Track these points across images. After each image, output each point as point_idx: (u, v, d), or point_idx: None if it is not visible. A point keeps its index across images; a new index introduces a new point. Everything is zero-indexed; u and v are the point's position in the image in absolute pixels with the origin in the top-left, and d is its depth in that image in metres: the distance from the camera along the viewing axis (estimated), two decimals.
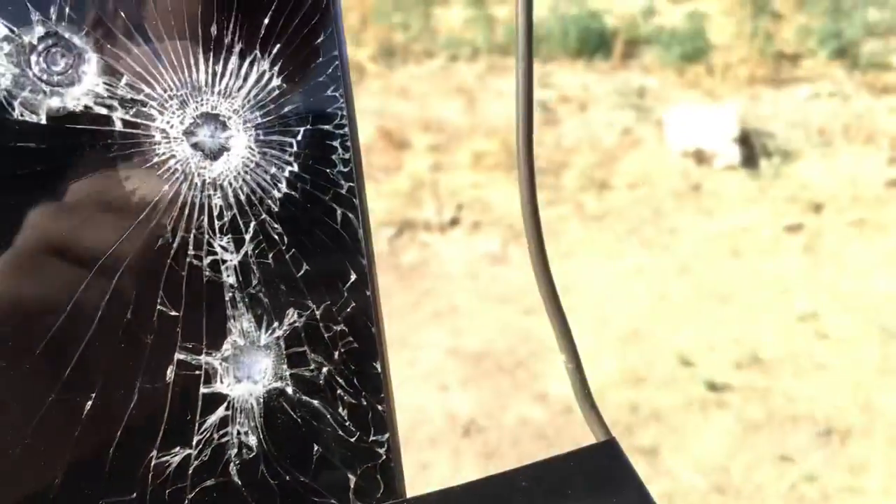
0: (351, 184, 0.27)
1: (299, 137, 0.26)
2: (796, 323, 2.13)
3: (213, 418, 0.27)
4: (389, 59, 3.19)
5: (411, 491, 0.28)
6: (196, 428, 0.27)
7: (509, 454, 1.46)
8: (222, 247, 0.26)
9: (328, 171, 0.27)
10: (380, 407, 0.28)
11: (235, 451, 0.27)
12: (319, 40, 0.26)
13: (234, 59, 0.26)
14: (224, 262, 0.26)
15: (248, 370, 0.27)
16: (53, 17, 0.25)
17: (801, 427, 1.80)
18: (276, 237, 0.26)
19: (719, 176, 2.77)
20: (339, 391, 0.27)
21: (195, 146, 0.26)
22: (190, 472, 0.27)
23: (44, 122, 0.25)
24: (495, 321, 2.09)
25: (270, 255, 0.26)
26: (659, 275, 2.34)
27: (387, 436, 0.28)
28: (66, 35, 0.25)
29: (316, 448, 0.27)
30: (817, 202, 2.64)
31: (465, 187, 2.63)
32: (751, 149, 2.86)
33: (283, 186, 0.26)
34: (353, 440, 0.28)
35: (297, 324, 0.27)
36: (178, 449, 0.27)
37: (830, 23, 3.26)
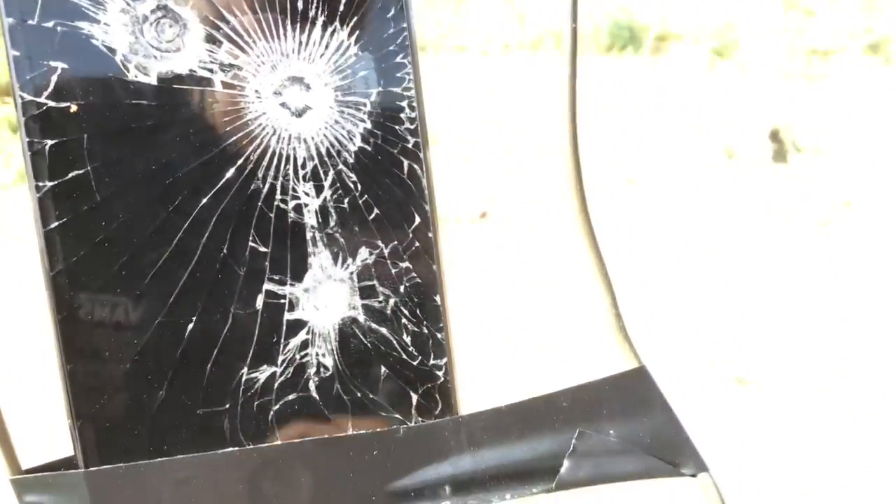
0: (416, 139, 0.31)
1: (372, 98, 0.30)
2: None
3: (295, 341, 0.31)
4: None
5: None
6: (281, 349, 0.31)
7: None
8: (305, 192, 0.30)
9: (396, 127, 0.31)
10: (439, 335, 0.32)
11: (314, 370, 0.31)
12: (391, 13, 0.30)
13: (317, 30, 0.30)
14: (306, 205, 0.30)
15: (325, 300, 0.31)
16: None
17: None
18: (351, 185, 0.31)
19: (749, 171, 2.78)
20: (403, 320, 0.31)
21: (283, 105, 0.30)
22: (275, 387, 0.31)
23: (154, 83, 0.29)
24: None
25: (346, 201, 0.31)
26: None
27: (444, 360, 0.32)
28: (174, 8, 0.29)
29: (383, 369, 0.31)
30: (847, 199, 2.64)
31: None
32: (781, 144, 2.87)
33: (358, 141, 0.30)
34: (415, 363, 0.32)
35: (368, 260, 0.31)
36: (265, 367, 0.31)
37: (862, 18, 3.25)
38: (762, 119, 2.89)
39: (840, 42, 3.24)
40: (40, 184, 0.29)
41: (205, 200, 0.30)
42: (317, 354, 0.31)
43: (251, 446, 0.31)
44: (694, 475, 0.32)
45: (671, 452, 0.32)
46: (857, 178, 2.75)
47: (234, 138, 0.30)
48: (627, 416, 0.32)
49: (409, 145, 0.31)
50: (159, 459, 0.30)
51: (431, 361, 0.32)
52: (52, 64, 0.29)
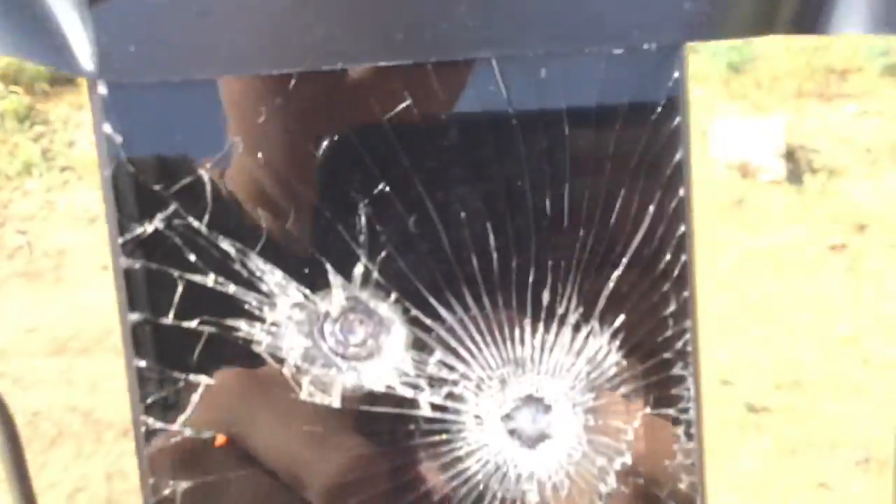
0: (692, 478, 0.22)
1: (636, 424, 0.22)
2: (838, 346, 2.10)
3: None
4: None
5: None
6: None
7: None
8: None
9: (666, 462, 0.22)
10: None
11: None
12: (671, 309, 0.21)
13: (566, 332, 0.21)
14: None
15: None
16: (357, 280, 0.20)
17: (839, 453, 1.77)
18: None
19: (764, 190, 2.72)
20: None
21: (512, 433, 0.21)
22: None
23: (336, 404, 0.20)
24: None
25: None
26: (699, 290, 2.29)
27: None
28: (370, 302, 0.20)
29: None
30: (862, 222, 2.59)
31: None
32: (796, 164, 2.81)
33: (612, 480, 0.22)
34: None
35: None
36: None
37: (880, 39, 3.19)
38: (777, 138, 2.83)
39: (856, 62, 3.17)
40: None
41: None
42: None
43: None
44: None
45: None
46: (872, 200, 2.70)
47: (439, 479, 0.21)
48: None
49: (683, 486, 0.22)
50: None
51: None
52: (192, 379, 0.20)
